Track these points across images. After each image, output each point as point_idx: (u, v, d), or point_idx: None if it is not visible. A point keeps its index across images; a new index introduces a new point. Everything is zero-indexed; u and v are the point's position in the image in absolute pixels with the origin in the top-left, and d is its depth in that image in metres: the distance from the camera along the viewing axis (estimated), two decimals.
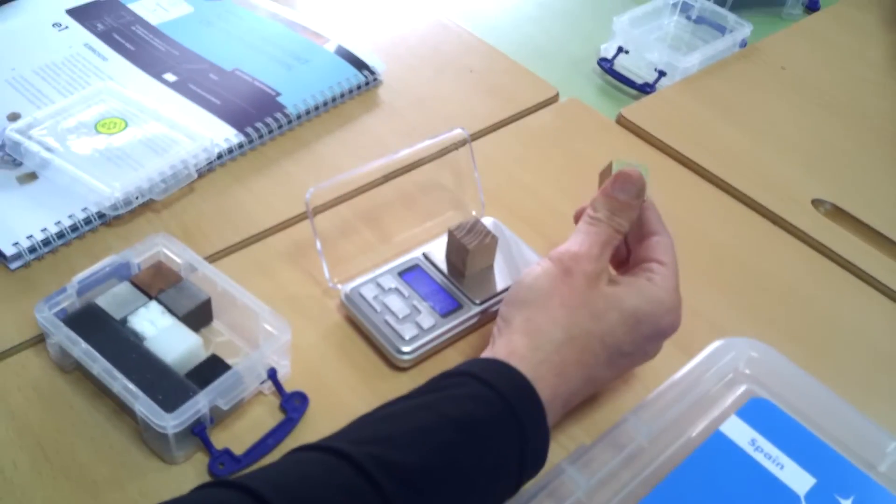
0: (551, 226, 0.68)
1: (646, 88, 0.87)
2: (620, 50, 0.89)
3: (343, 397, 0.55)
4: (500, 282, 0.61)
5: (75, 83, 0.76)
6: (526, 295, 0.51)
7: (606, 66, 0.90)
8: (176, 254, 0.59)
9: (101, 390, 0.54)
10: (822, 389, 0.53)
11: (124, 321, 0.55)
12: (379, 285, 0.60)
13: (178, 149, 0.68)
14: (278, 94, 0.76)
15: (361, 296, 0.59)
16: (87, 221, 0.64)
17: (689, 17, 0.97)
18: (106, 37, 0.83)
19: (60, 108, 0.71)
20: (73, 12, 0.85)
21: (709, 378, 0.54)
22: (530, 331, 0.50)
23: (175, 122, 0.70)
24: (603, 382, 0.53)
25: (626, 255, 0.56)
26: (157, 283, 0.57)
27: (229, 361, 0.54)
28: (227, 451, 0.51)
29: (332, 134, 0.76)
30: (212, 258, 0.63)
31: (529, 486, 0.47)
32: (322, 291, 0.62)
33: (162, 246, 0.59)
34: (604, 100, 0.88)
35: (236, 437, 0.53)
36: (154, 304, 0.56)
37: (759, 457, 0.50)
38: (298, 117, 0.76)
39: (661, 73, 0.87)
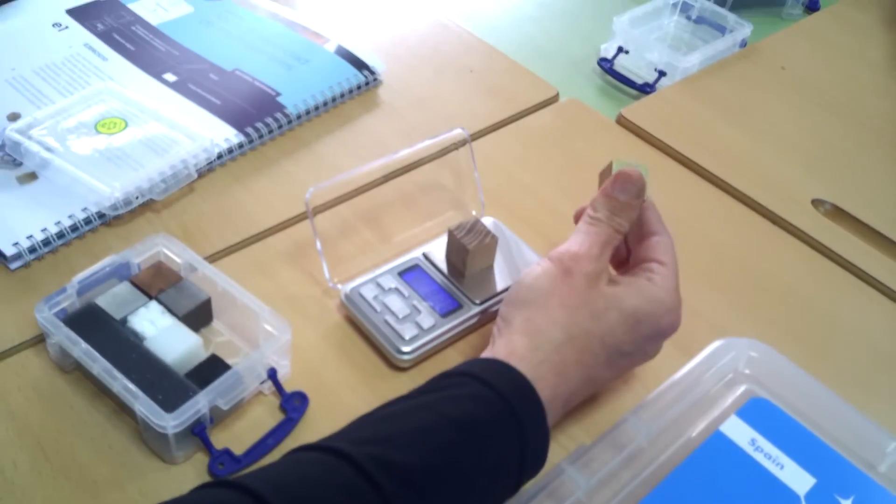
0: (551, 226, 0.68)
1: (646, 88, 0.87)
2: (620, 50, 0.90)
3: (343, 397, 0.55)
4: (500, 282, 0.61)
5: (75, 83, 0.76)
6: (526, 295, 0.51)
7: (606, 66, 0.90)
8: (176, 254, 0.59)
9: (101, 390, 0.54)
10: (822, 389, 0.53)
11: (124, 321, 0.55)
12: (379, 285, 0.60)
13: (178, 149, 0.68)
14: (278, 94, 0.76)
15: (361, 296, 0.59)
16: (87, 221, 0.64)
17: (689, 17, 0.97)
18: (106, 37, 0.83)
19: (60, 108, 0.71)
20: (73, 12, 0.85)
21: (709, 378, 0.54)
22: (530, 331, 0.50)
23: (175, 122, 0.70)
24: (603, 382, 0.53)
25: (626, 255, 0.56)
26: (157, 283, 0.57)
27: (229, 361, 0.54)
28: (226, 451, 0.51)
29: (332, 134, 0.76)
30: (212, 258, 0.63)
31: (529, 486, 0.47)
32: (322, 291, 0.62)
33: (162, 246, 0.59)
34: (604, 100, 0.88)
35: (236, 437, 0.53)
36: (154, 304, 0.56)
37: (759, 457, 0.50)
38: (298, 117, 0.76)
39: (661, 73, 0.87)
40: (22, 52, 0.80)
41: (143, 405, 0.49)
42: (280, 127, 0.74)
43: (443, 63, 0.86)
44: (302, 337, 0.58)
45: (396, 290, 0.59)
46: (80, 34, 0.83)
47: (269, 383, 0.54)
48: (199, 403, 0.50)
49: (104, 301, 0.56)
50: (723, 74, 0.87)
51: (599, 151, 0.76)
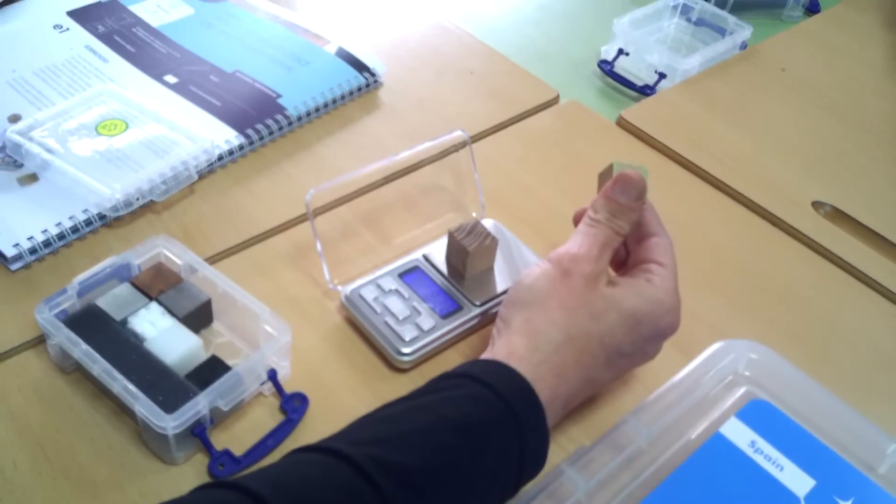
0: (551, 227, 0.68)
1: (646, 90, 0.87)
2: (621, 52, 0.90)
3: (343, 398, 0.55)
4: (500, 283, 0.61)
5: (76, 85, 0.77)
6: (525, 296, 0.51)
7: (607, 68, 0.90)
8: (176, 255, 0.59)
9: (102, 391, 0.54)
10: (821, 391, 0.53)
11: (124, 322, 0.55)
12: (379, 287, 0.60)
13: (179, 150, 0.68)
14: (279, 96, 0.76)
15: (361, 297, 0.59)
16: (88, 223, 0.64)
17: (689, 20, 0.97)
18: (107, 38, 0.83)
19: (61, 109, 0.71)
20: (74, 14, 0.86)
21: (708, 380, 0.54)
22: (529, 332, 0.50)
23: (176, 123, 0.70)
24: (602, 383, 0.52)
25: (626, 256, 0.56)
26: (158, 285, 0.58)
27: (229, 362, 0.54)
28: (226, 452, 0.51)
29: (332, 136, 0.76)
30: (212, 259, 0.63)
31: (529, 487, 0.47)
32: (322, 293, 0.62)
33: (162, 247, 0.59)
34: (604, 102, 0.88)
35: (236, 438, 0.53)
36: (154, 306, 0.56)
37: (758, 458, 0.50)
38: (299, 119, 0.76)
39: (662, 75, 0.87)
40: (23, 54, 0.80)
41: (144, 406, 0.49)
42: (280, 128, 0.74)
43: (443, 65, 0.86)
44: (302, 338, 0.58)
45: (396, 291, 0.59)
46: (80, 36, 0.83)
47: (270, 384, 0.54)
48: (200, 404, 0.50)
49: (104, 302, 0.56)
50: (723, 76, 0.88)
51: (600, 153, 0.76)
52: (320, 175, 0.71)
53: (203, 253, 0.62)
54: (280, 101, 0.76)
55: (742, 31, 0.91)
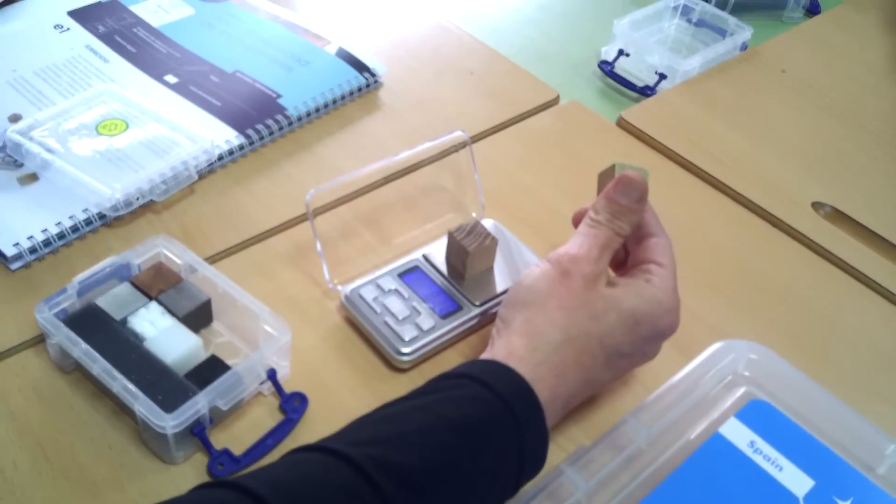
0: (551, 228, 0.68)
1: (646, 91, 0.87)
2: (621, 53, 0.90)
3: (342, 398, 0.55)
4: (500, 283, 0.61)
5: (76, 85, 0.77)
6: (525, 296, 0.51)
7: (607, 68, 0.90)
8: (176, 255, 0.59)
9: (101, 391, 0.54)
10: (821, 392, 0.53)
11: (124, 322, 0.55)
12: (379, 287, 0.60)
13: (179, 150, 0.68)
14: (279, 96, 0.76)
15: (361, 297, 0.59)
16: (88, 222, 0.64)
17: (689, 21, 0.97)
18: (107, 38, 0.83)
19: (61, 109, 0.71)
20: (75, 14, 0.86)
21: (708, 380, 0.54)
22: (529, 332, 0.50)
23: (176, 123, 0.70)
24: (602, 384, 0.52)
25: (625, 256, 0.56)
26: (158, 284, 0.58)
27: (229, 362, 0.54)
28: (226, 452, 0.51)
29: (332, 136, 0.76)
30: (212, 259, 0.64)
31: (529, 487, 0.47)
32: (322, 293, 0.62)
33: (162, 247, 0.59)
34: (604, 102, 0.88)
35: (236, 438, 0.53)
36: (154, 305, 0.56)
37: (758, 459, 0.50)
38: (299, 119, 0.76)
39: (662, 76, 0.87)
40: (23, 54, 0.80)
41: (143, 405, 0.49)
42: (281, 129, 0.74)
43: (443, 65, 0.86)
44: (302, 338, 0.58)
45: (396, 291, 0.60)
46: (81, 36, 0.83)
47: (269, 384, 0.54)
48: (199, 404, 0.50)
49: (104, 302, 0.56)
50: (723, 77, 0.88)
51: (600, 154, 0.76)
52: (320, 175, 0.71)
53: (203, 253, 0.62)
54: (280, 101, 0.76)
55: (742, 32, 0.91)
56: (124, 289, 0.57)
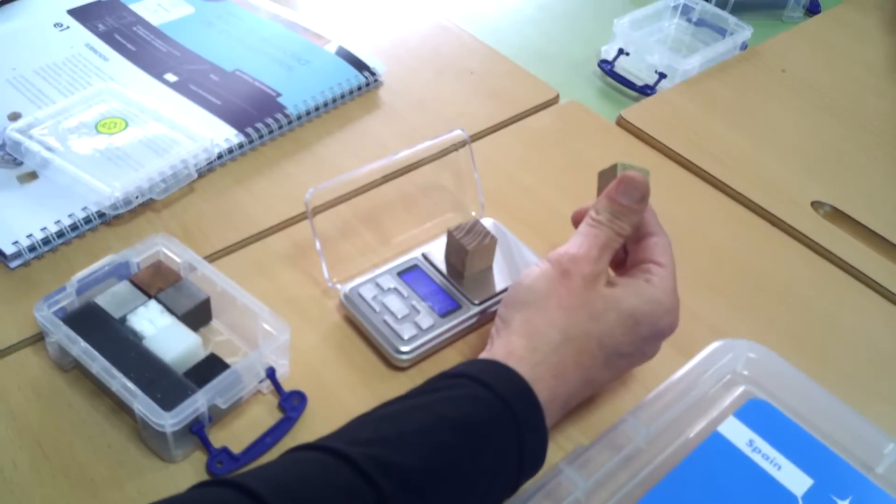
0: (551, 227, 0.68)
1: (646, 90, 0.87)
2: (621, 52, 0.90)
3: (342, 397, 0.55)
4: (499, 282, 0.61)
5: (76, 83, 0.77)
6: (525, 296, 0.51)
7: (607, 67, 0.90)
8: (175, 253, 0.59)
9: (100, 389, 0.54)
10: (820, 391, 0.54)
11: (123, 320, 0.55)
12: (378, 285, 0.60)
13: (179, 149, 0.68)
14: (279, 95, 0.76)
15: (360, 296, 0.59)
16: (87, 221, 0.64)
17: (689, 20, 0.97)
18: (107, 37, 0.83)
19: (61, 107, 0.71)
20: (75, 12, 0.86)
21: (707, 379, 0.54)
22: (528, 332, 0.50)
23: (175, 122, 0.70)
24: (601, 383, 0.52)
25: (624, 256, 0.56)
26: (157, 283, 0.58)
27: (228, 361, 0.54)
28: (225, 450, 0.51)
29: (332, 135, 0.76)
30: (211, 258, 0.64)
31: (527, 486, 0.47)
32: (321, 291, 0.62)
33: (161, 245, 0.59)
34: (604, 101, 0.88)
35: (234, 436, 0.53)
36: (153, 304, 0.56)
37: (756, 458, 0.50)
38: (299, 118, 0.76)
39: (662, 76, 0.87)
40: (23, 52, 0.80)
41: (142, 404, 0.49)
42: (280, 127, 0.74)
43: (443, 65, 0.86)
44: (301, 337, 0.58)
45: (395, 290, 0.60)
46: (81, 34, 0.83)
47: (268, 382, 0.54)
48: (198, 402, 0.50)
49: (103, 300, 0.56)
50: (723, 77, 0.88)
51: (599, 153, 0.76)
52: (320, 174, 0.71)
53: (202, 251, 0.62)
54: (280, 99, 0.76)
55: (742, 31, 0.91)
56: (123, 287, 0.57)
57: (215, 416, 0.52)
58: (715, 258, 0.68)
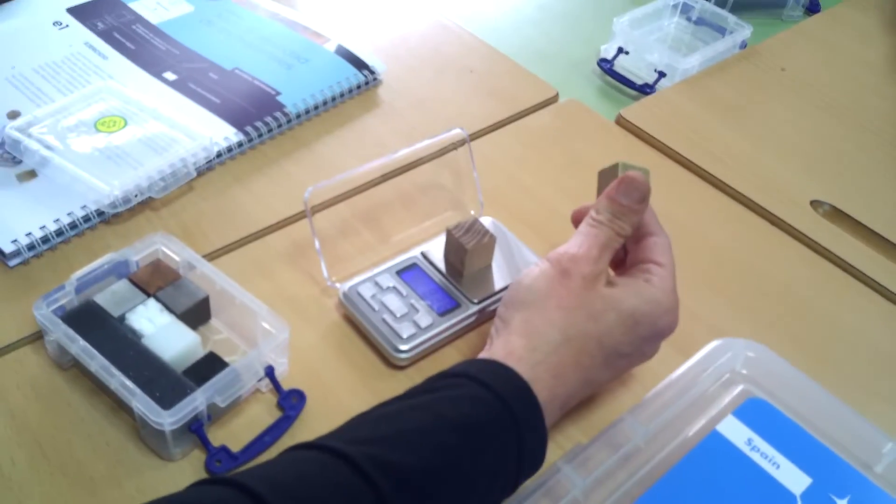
0: (550, 226, 0.68)
1: (645, 89, 0.87)
2: (620, 51, 0.90)
3: (340, 395, 0.55)
4: (499, 281, 0.61)
5: (75, 82, 0.77)
6: (524, 296, 0.51)
7: (606, 66, 0.90)
8: (175, 252, 0.59)
9: (99, 387, 0.54)
10: (818, 390, 0.54)
11: (122, 318, 0.55)
12: (377, 284, 0.60)
13: (178, 147, 0.68)
14: (278, 94, 0.76)
15: (359, 294, 0.59)
16: (87, 219, 0.64)
17: (689, 19, 0.97)
18: (106, 35, 0.83)
19: (60, 106, 0.71)
20: (74, 11, 0.86)
21: (706, 378, 0.54)
22: (528, 332, 0.50)
23: (175, 120, 0.70)
24: (601, 383, 0.52)
25: (624, 256, 0.56)
26: (156, 281, 0.58)
27: (227, 359, 0.54)
28: (224, 449, 0.51)
29: (331, 133, 0.76)
30: (210, 257, 0.64)
31: (526, 484, 0.47)
32: (320, 290, 0.62)
33: (161, 244, 0.59)
34: (603, 100, 0.88)
35: (233, 435, 0.53)
36: (152, 302, 0.56)
37: (755, 456, 0.50)
38: (298, 116, 0.76)
39: (661, 74, 0.87)
40: (22, 51, 0.80)
41: (141, 402, 0.49)
42: (280, 126, 0.74)
43: (443, 63, 0.86)
44: (300, 335, 0.58)
45: (394, 288, 0.59)
46: (80, 33, 0.83)
47: (267, 381, 0.54)
48: (197, 400, 0.50)
49: (102, 298, 0.56)
50: (723, 76, 0.88)
51: (599, 152, 0.76)
52: (319, 173, 0.71)
53: (201, 250, 0.62)
54: (279, 98, 0.76)
55: (742, 30, 0.91)
56: (122, 286, 0.57)
57: (214, 414, 0.52)
58: (714, 258, 0.68)
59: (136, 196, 0.65)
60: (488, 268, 0.62)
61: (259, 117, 0.74)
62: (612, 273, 0.54)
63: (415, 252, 0.63)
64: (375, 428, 0.44)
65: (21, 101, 0.74)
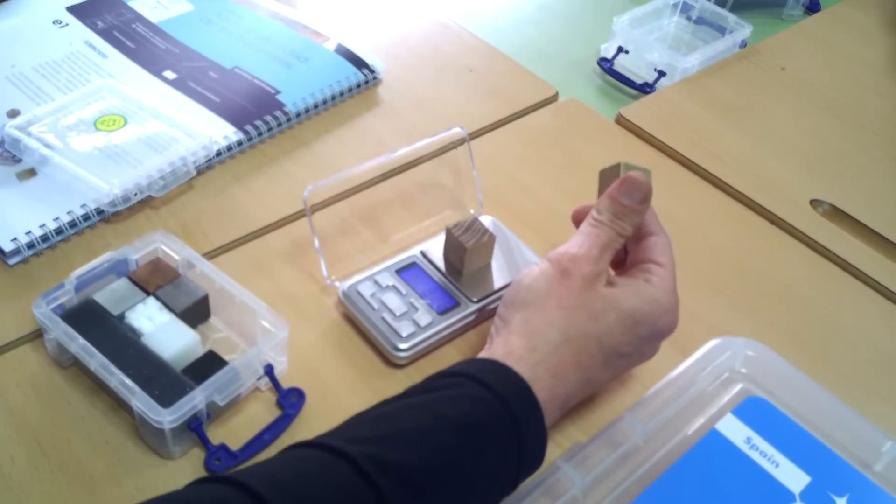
0: (549, 225, 0.68)
1: (645, 88, 0.87)
2: (620, 50, 0.90)
3: (340, 394, 0.55)
4: (498, 280, 0.61)
5: (75, 80, 0.77)
6: (524, 296, 0.51)
7: (606, 65, 0.90)
8: (174, 251, 0.59)
9: (99, 386, 0.54)
10: (818, 389, 0.54)
11: (122, 317, 0.55)
12: (376, 283, 0.60)
13: (178, 146, 0.68)
14: (278, 93, 0.76)
15: (359, 293, 0.59)
16: (86, 218, 0.64)
17: (689, 18, 0.97)
18: (106, 34, 0.83)
19: (60, 105, 0.71)
20: (74, 10, 0.86)
21: (705, 377, 0.54)
22: (528, 332, 0.49)
23: (174, 119, 0.70)
24: (600, 383, 0.52)
25: (624, 256, 0.56)
26: (155, 280, 0.58)
27: (226, 358, 0.54)
28: (223, 447, 0.51)
29: (331, 132, 0.76)
30: (210, 255, 0.64)
31: (525, 483, 0.47)
32: (320, 289, 0.62)
33: (160, 243, 0.59)
34: (603, 100, 0.88)
35: (233, 433, 0.53)
36: (152, 301, 0.56)
37: (754, 455, 0.50)
38: (298, 115, 0.76)
39: (661, 74, 0.87)
40: (22, 49, 0.80)
41: (140, 400, 0.49)
42: (279, 125, 0.74)
43: (443, 63, 0.86)
44: (299, 334, 0.58)
45: (394, 287, 0.60)
46: (80, 31, 0.83)
47: (266, 379, 0.54)
48: (196, 399, 0.50)
49: (102, 297, 0.56)
50: (722, 75, 0.88)
51: (598, 151, 0.76)
52: (319, 172, 0.71)
53: (201, 249, 0.62)
54: (279, 97, 0.76)
55: (742, 29, 0.91)
56: (122, 284, 0.57)
57: (213, 413, 0.52)
58: (714, 257, 0.68)
59: (135, 195, 0.65)
60: (488, 267, 0.62)
61: (259, 116, 0.74)
62: (612, 273, 0.54)
63: (414, 251, 0.63)
64: (375, 427, 0.44)
65: (21, 100, 0.74)
